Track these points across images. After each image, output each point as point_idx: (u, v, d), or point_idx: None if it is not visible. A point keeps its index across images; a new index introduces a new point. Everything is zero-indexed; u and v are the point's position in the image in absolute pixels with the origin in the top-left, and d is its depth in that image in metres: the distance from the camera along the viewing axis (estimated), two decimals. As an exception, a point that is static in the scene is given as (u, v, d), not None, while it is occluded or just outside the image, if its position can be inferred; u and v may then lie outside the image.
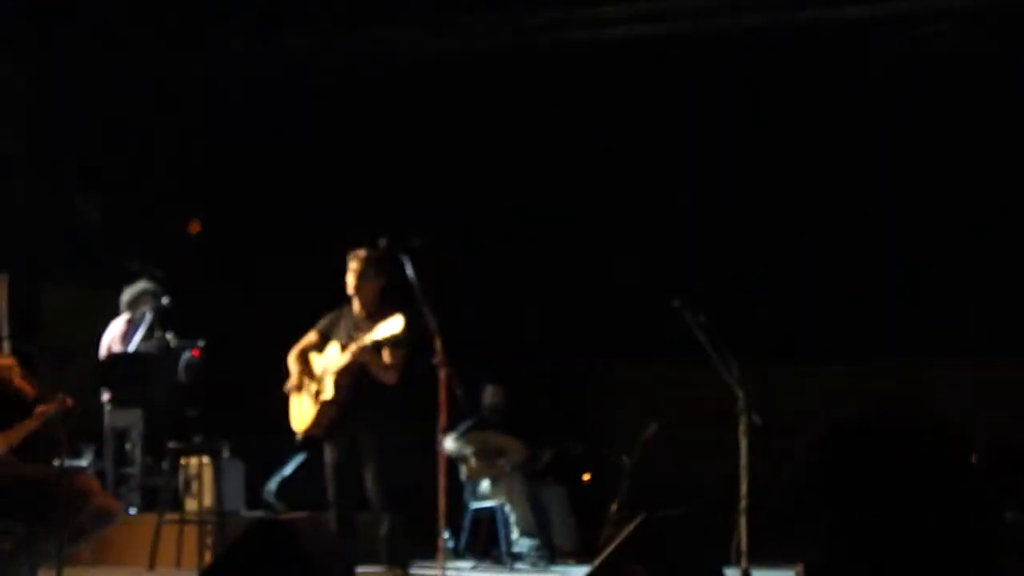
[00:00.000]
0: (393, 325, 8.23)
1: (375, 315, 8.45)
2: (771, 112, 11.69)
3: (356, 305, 8.60)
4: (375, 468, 8.41)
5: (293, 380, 8.63)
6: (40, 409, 6.92)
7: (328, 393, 8.47)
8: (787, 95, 11.60)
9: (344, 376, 8.38)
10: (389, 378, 8.41)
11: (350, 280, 8.60)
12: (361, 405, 8.35)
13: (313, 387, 8.56)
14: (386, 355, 8.41)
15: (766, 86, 11.64)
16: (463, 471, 10.69)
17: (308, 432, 8.62)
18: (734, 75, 11.59)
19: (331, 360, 8.49)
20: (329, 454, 8.57)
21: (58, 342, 10.09)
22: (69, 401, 6.84)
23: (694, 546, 6.66)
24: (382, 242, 8.31)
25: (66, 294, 11.72)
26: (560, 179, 12.25)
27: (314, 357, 8.64)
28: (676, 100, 11.76)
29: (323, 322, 8.72)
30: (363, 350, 8.31)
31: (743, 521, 8.06)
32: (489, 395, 11.10)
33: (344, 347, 8.43)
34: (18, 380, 6.85)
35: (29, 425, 6.94)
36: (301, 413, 8.64)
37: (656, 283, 11.12)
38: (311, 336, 8.71)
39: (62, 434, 6.72)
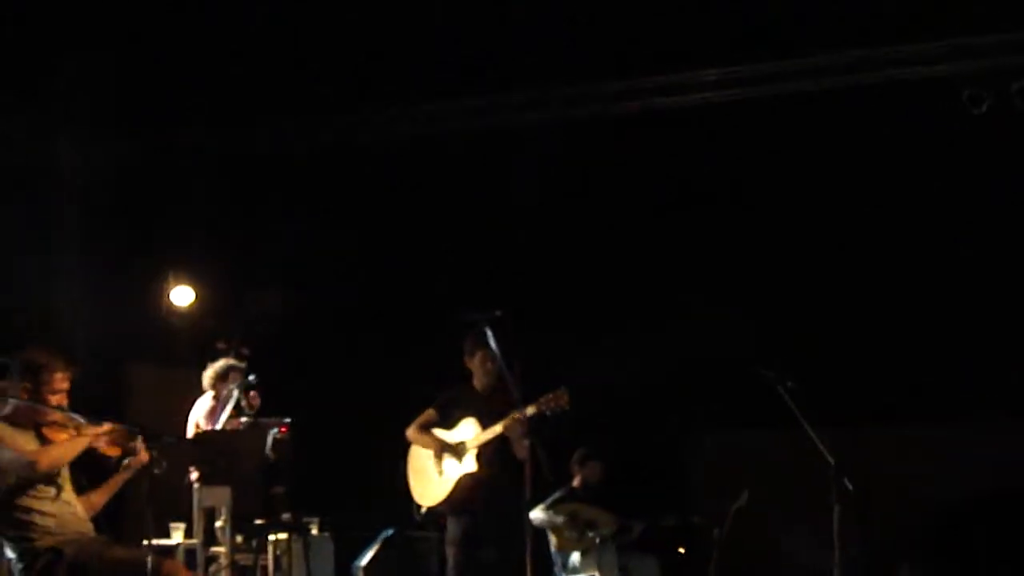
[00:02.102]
0: (560, 397, 8.24)
1: (498, 389, 8.51)
2: (864, 171, 11.59)
3: (478, 381, 8.67)
4: (507, 539, 8.40)
5: (430, 453, 8.64)
6: (127, 463, 6.97)
7: (471, 466, 8.49)
8: (879, 154, 11.48)
9: (487, 449, 8.40)
10: (523, 453, 8.41)
11: (469, 360, 8.69)
12: (500, 478, 8.31)
13: (448, 462, 8.57)
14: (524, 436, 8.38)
15: (856, 145, 11.55)
16: (553, 542, 10.61)
17: (438, 507, 8.64)
18: (819, 135, 11.52)
19: (470, 435, 8.53)
20: (455, 528, 8.55)
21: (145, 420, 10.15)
22: (145, 454, 6.86)
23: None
24: (463, 314, 8.30)
25: (151, 373, 11.84)
26: (647, 248, 12.20)
27: (439, 433, 8.67)
28: (759, 163, 11.70)
29: (441, 399, 8.76)
30: (517, 422, 8.27)
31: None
32: (587, 469, 11.03)
33: (484, 422, 8.45)
34: (103, 446, 6.89)
35: (121, 478, 6.99)
36: (431, 488, 8.64)
37: (744, 351, 11.05)
38: (430, 413, 8.75)
39: (148, 513, 6.72)
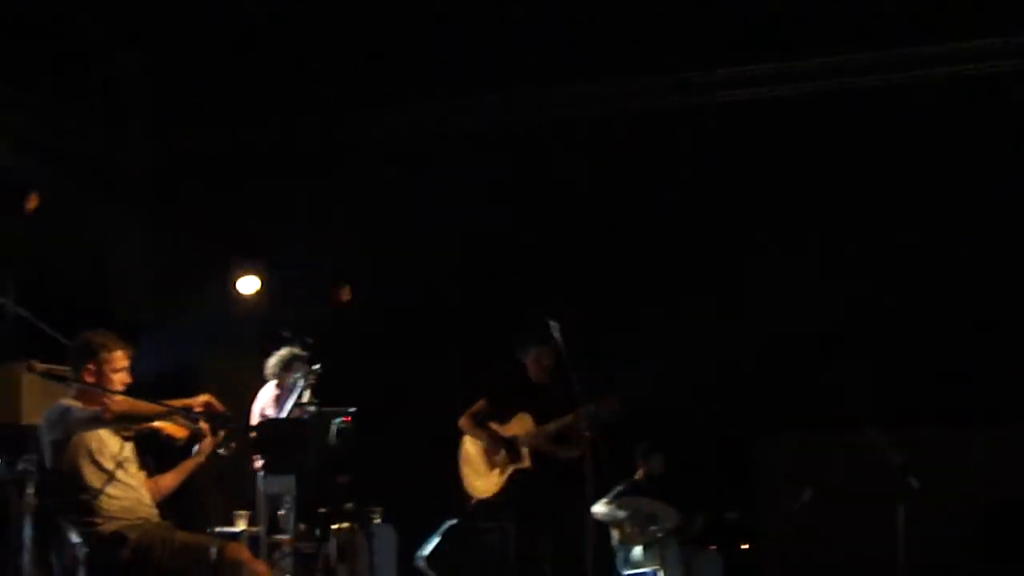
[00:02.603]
0: (611, 403, 8.26)
1: (553, 384, 8.49)
2: (921, 168, 11.50)
3: (534, 374, 8.65)
4: (562, 533, 8.42)
5: (483, 447, 8.65)
6: (197, 448, 7.02)
7: (524, 462, 8.48)
8: (930, 150, 11.40)
9: (541, 445, 8.40)
10: (573, 452, 8.42)
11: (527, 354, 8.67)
12: (552, 473, 8.32)
13: (501, 455, 8.57)
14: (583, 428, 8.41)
15: (908, 140, 11.48)
16: (615, 536, 10.59)
17: (492, 499, 8.64)
18: (878, 135, 11.46)
19: (524, 430, 8.52)
20: (513, 520, 8.57)
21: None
22: (221, 434, 6.92)
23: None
24: (537, 315, 8.31)
25: (219, 362, 11.93)
26: (710, 246, 12.16)
27: (498, 427, 8.67)
28: (822, 158, 11.65)
29: (494, 391, 8.74)
30: (578, 420, 8.26)
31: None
32: (651, 461, 11.01)
33: (538, 418, 8.45)
34: (164, 426, 6.93)
35: (194, 462, 7.05)
36: (483, 480, 8.65)
37: (811, 349, 11.01)
38: (483, 404, 8.74)
39: (213, 501, 6.78)
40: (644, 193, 12.00)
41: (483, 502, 8.71)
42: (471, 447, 8.73)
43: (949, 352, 11.52)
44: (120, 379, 6.89)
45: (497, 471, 8.57)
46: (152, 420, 6.87)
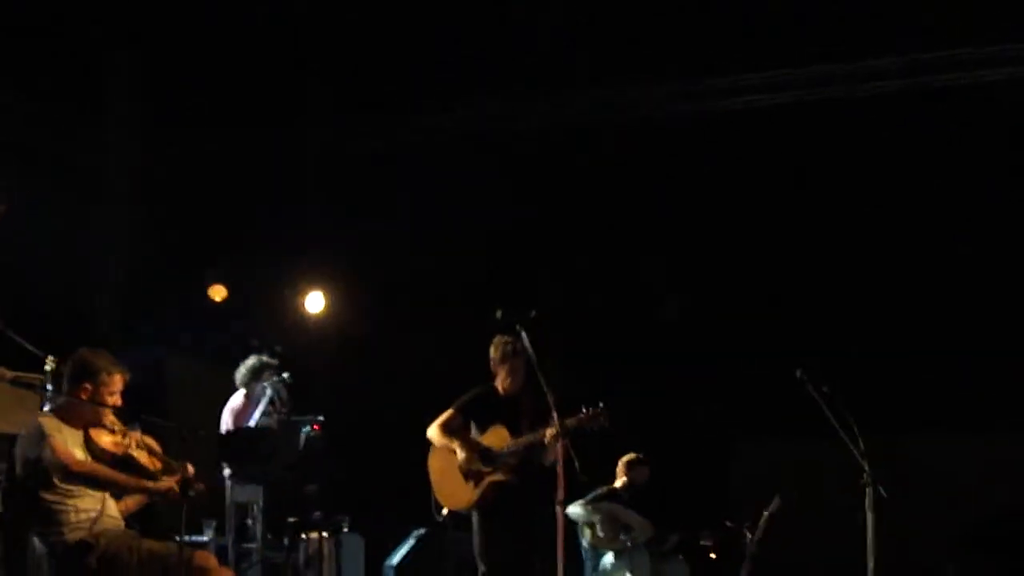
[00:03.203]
0: (596, 416, 8.20)
1: (527, 394, 8.45)
2: (913, 176, 11.55)
3: (504, 384, 8.60)
4: (548, 547, 8.29)
5: (453, 457, 8.58)
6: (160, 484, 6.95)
7: (499, 474, 8.43)
8: (926, 158, 11.44)
9: (514, 457, 8.34)
10: (553, 458, 8.34)
11: (497, 364, 8.62)
12: (529, 484, 8.26)
13: (475, 467, 8.48)
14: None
15: (901, 150, 11.52)
16: (587, 537, 10.56)
17: (463, 509, 8.58)
18: (873, 139, 11.51)
19: (499, 441, 8.46)
20: (482, 533, 8.51)
21: (182, 416, 10.18)
22: (191, 469, 6.85)
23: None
24: (498, 314, 8.24)
25: (190, 369, 11.88)
26: (681, 250, 12.18)
27: (475, 437, 8.60)
28: (812, 165, 11.69)
29: (464, 400, 8.67)
30: (556, 436, 8.17)
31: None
32: (638, 474, 11.00)
33: (513, 430, 8.40)
34: (141, 456, 6.88)
35: (149, 487, 6.97)
36: (456, 491, 8.57)
37: (778, 354, 11.00)
38: (451, 414, 8.66)
39: (184, 504, 6.72)
40: (635, 195, 12.02)
41: (455, 514, 8.62)
42: (442, 457, 8.63)
43: (932, 361, 11.55)
44: (114, 401, 6.85)
45: (471, 483, 8.47)
46: (117, 489, 6.81)
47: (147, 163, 12.36)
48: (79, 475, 6.61)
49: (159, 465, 6.91)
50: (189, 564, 6.63)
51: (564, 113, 12.19)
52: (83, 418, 6.81)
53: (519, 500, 8.31)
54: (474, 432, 8.60)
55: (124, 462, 6.80)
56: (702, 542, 11.13)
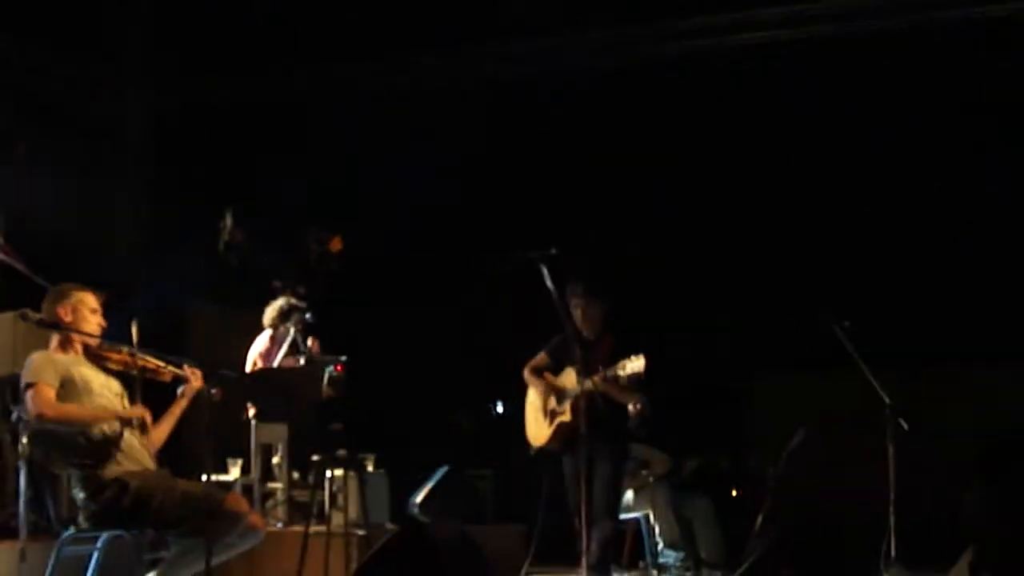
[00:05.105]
0: (636, 364, 8.32)
1: (601, 338, 8.56)
2: (918, 118, 11.51)
3: (582, 327, 8.73)
4: (606, 480, 8.63)
5: (538, 397, 8.78)
6: (181, 390, 7.06)
7: (566, 416, 8.60)
8: (930, 95, 11.40)
9: (581, 400, 8.46)
10: (626, 401, 8.54)
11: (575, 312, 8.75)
12: (597, 425, 8.35)
13: (551, 406, 8.71)
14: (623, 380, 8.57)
15: (907, 89, 11.47)
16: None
17: (543, 448, 8.82)
18: (882, 78, 11.47)
19: (569, 384, 8.63)
20: (567, 467, 8.72)
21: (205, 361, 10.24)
22: (199, 373, 6.98)
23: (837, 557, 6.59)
24: (522, 253, 8.29)
25: (211, 314, 11.94)
26: (702, 187, 12.17)
27: (552, 377, 8.78)
28: (824, 107, 11.66)
29: (551, 343, 8.85)
30: (605, 381, 8.37)
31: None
32: (640, 405, 11.03)
33: (580, 374, 8.52)
34: (146, 361, 6.98)
35: (178, 407, 7.08)
36: (538, 429, 8.83)
37: (802, 290, 11.04)
38: (542, 357, 8.89)
39: (205, 449, 6.81)
40: (652, 140, 12.01)
41: (541, 449, 8.88)
42: (531, 397, 8.92)
43: (948, 292, 11.56)
44: (97, 320, 6.97)
45: (547, 422, 8.75)
46: (94, 423, 6.87)
47: (164, 108, 12.37)
48: (53, 419, 6.70)
49: (168, 370, 7.04)
50: (221, 507, 6.72)
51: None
52: (80, 341, 6.97)
53: (578, 442, 8.41)
54: (553, 373, 8.85)
55: (140, 370, 6.93)
56: (719, 465, 11.19)
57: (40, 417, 6.64)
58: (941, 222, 11.60)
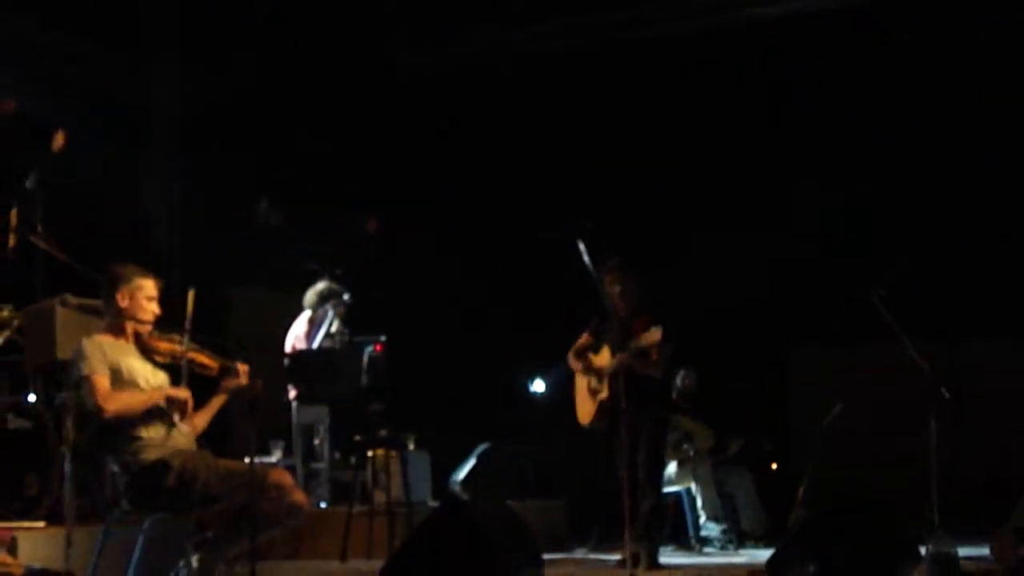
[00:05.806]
0: (652, 336, 8.35)
1: (635, 314, 8.61)
2: (956, 84, 11.44)
3: (618, 304, 8.78)
4: (647, 453, 8.67)
5: (581, 378, 8.96)
6: (225, 383, 7.05)
7: (604, 393, 8.70)
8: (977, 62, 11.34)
9: (616, 378, 8.50)
10: (656, 373, 8.60)
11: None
12: (634, 400, 8.37)
13: (593, 385, 8.80)
14: (653, 354, 8.60)
15: (917, 62, 11.43)
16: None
17: (591, 425, 8.92)
18: (904, 52, 11.42)
19: (604, 362, 8.70)
20: (612, 443, 8.71)
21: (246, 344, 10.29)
22: (245, 370, 6.96)
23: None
24: (557, 228, 8.30)
25: (250, 297, 11.99)
26: (726, 164, 12.16)
27: (592, 357, 8.85)
28: (856, 74, 11.61)
29: (594, 324, 8.94)
30: (629, 356, 8.44)
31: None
32: (681, 379, 11.05)
33: (613, 351, 8.59)
34: (196, 355, 6.97)
35: (220, 399, 7.08)
36: (585, 408, 8.97)
37: (840, 265, 11.03)
38: (585, 337, 8.98)
39: (247, 431, 6.82)
40: (688, 113, 12.00)
41: (588, 427, 8.97)
42: (579, 377, 8.99)
43: (988, 264, 11.50)
44: (152, 308, 6.94)
45: (592, 400, 8.83)
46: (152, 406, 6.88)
47: (197, 93, 12.40)
48: (113, 414, 6.71)
49: (216, 366, 7.03)
50: (265, 481, 6.73)
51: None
52: (132, 328, 6.93)
53: (616, 418, 8.43)
54: (593, 352, 8.91)
55: (187, 362, 6.93)
56: (764, 446, 11.23)
57: (100, 411, 6.66)
58: (980, 192, 11.53)
